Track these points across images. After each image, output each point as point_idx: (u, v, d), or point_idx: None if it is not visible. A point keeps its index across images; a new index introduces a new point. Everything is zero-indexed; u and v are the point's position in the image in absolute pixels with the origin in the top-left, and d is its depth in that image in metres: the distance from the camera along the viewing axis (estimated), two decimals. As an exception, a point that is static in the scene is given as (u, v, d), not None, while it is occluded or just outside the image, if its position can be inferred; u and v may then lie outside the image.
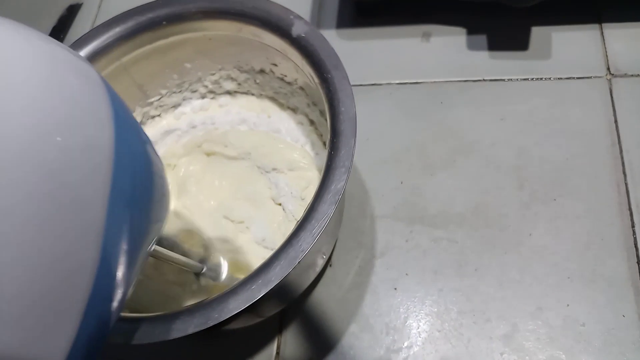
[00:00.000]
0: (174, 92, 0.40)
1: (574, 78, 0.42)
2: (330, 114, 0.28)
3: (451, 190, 0.40)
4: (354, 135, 0.27)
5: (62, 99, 0.15)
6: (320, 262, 0.35)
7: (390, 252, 0.38)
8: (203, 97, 0.41)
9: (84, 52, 0.33)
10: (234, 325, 0.35)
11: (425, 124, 0.42)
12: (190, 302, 0.33)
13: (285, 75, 0.36)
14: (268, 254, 0.26)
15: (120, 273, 0.18)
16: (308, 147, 0.37)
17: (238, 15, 0.33)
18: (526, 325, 0.35)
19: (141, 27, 0.34)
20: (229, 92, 0.41)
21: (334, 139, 0.27)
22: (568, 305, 0.35)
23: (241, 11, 0.32)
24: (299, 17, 0.31)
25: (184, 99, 0.41)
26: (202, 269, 0.32)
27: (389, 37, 0.46)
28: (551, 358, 0.34)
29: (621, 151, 0.39)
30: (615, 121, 0.40)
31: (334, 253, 0.39)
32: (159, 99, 0.40)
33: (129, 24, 0.34)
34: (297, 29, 0.31)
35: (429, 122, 0.42)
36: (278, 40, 0.32)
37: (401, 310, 0.37)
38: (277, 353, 0.37)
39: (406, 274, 0.38)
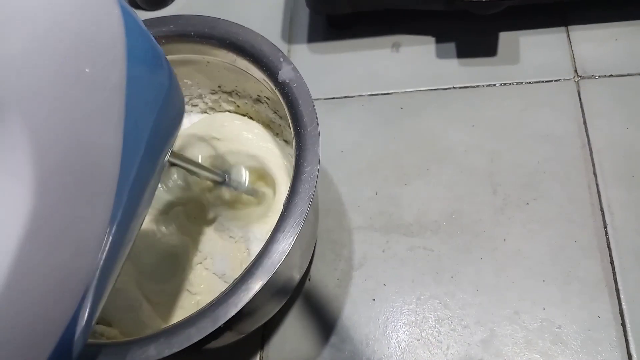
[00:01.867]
0: None
1: (542, 82, 0.43)
2: (294, 172, 0.28)
3: (426, 199, 0.40)
4: (310, 200, 0.27)
5: None
6: (297, 277, 0.35)
7: (367, 262, 0.39)
8: (204, 112, 0.41)
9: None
10: (215, 344, 0.35)
11: (399, 134, 0.43)
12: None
13: (278, 110, 0.37)
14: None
15: (142, 168, 0.20)
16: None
17: (232, 47, 0.33)
18: (503, 330, 0.35)
19: None
20: (229, 111, 0.41)
21: (290, 199, 0.27)
22: (544, 308, 0.35)
23: (235, 44, 0.33)
24: (289, 62, 0.31)
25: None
26: (225, 178, 0.33)
27: (360, 49, 0.47)
28: (529, 362, 0.34)
29: (591, 152, 0.39)
30: (585, 123, 0.40)
31: (313, 266, 0.39)
32: None
33: None
34: (284, 75, 0.31)
35: (402, 131, 0.43)
36: (266, 80, 0.32)
37: (380, 320, 0.37)
38: (260, 369, 0.37)
39: (384, 284, 0.38)
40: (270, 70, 0.31)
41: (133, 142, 0.19)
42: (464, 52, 0.45)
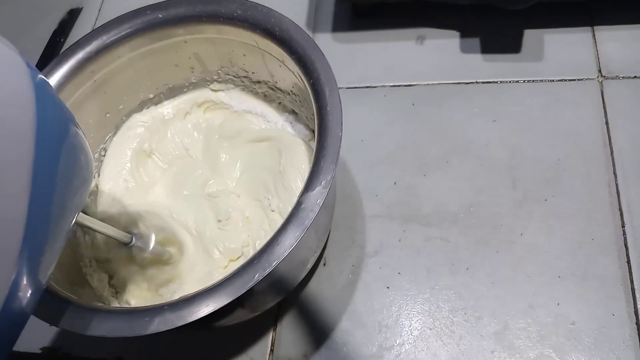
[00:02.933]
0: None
1: (566, 80, 0.43)
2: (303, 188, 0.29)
3: (445, 190, 0.40)
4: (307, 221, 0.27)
5: None
6: (312, 259, 0.35)
7: (383, 250, 0.39)
8: (293, 113, 0.41)
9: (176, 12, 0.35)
10: (228, 321, 0.35)
11: (420, 125, 0.43)
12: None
13: None
14: None
15: (47, 236, 0.20)
16: None
17: (301, 66, 0.32)
18: (517, 324, 0.35)
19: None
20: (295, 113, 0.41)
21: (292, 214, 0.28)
22: (559, 303, 0.35)
23: (304, 59, 0.32)
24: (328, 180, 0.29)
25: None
26: (131, 239, 0.33)
27: (384, 40, 0.47)
28: (541, 356, 0.34)
29: (612, 152, 0.39)
30: (607, 122, 0.40)
31: (328, 251, 0.39)
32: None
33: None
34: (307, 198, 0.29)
35: (423, 123, 0.43)
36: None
37: (393, 308, 0.37)
38: (272, 350, 0.37)
39: (399, 273, 0.38)
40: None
41: (37, 214, 0.18)
42: (488, 48, 0.45)
